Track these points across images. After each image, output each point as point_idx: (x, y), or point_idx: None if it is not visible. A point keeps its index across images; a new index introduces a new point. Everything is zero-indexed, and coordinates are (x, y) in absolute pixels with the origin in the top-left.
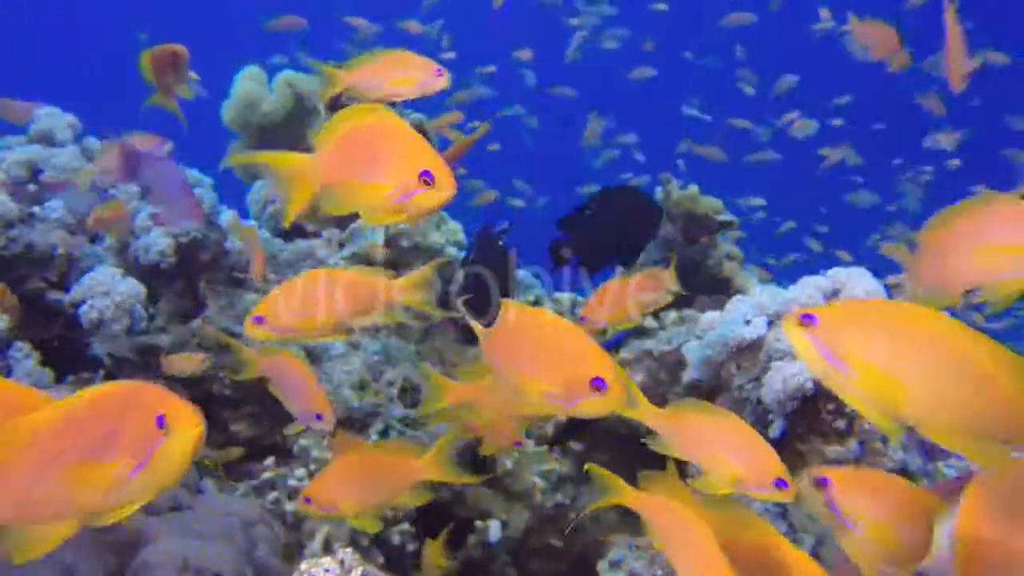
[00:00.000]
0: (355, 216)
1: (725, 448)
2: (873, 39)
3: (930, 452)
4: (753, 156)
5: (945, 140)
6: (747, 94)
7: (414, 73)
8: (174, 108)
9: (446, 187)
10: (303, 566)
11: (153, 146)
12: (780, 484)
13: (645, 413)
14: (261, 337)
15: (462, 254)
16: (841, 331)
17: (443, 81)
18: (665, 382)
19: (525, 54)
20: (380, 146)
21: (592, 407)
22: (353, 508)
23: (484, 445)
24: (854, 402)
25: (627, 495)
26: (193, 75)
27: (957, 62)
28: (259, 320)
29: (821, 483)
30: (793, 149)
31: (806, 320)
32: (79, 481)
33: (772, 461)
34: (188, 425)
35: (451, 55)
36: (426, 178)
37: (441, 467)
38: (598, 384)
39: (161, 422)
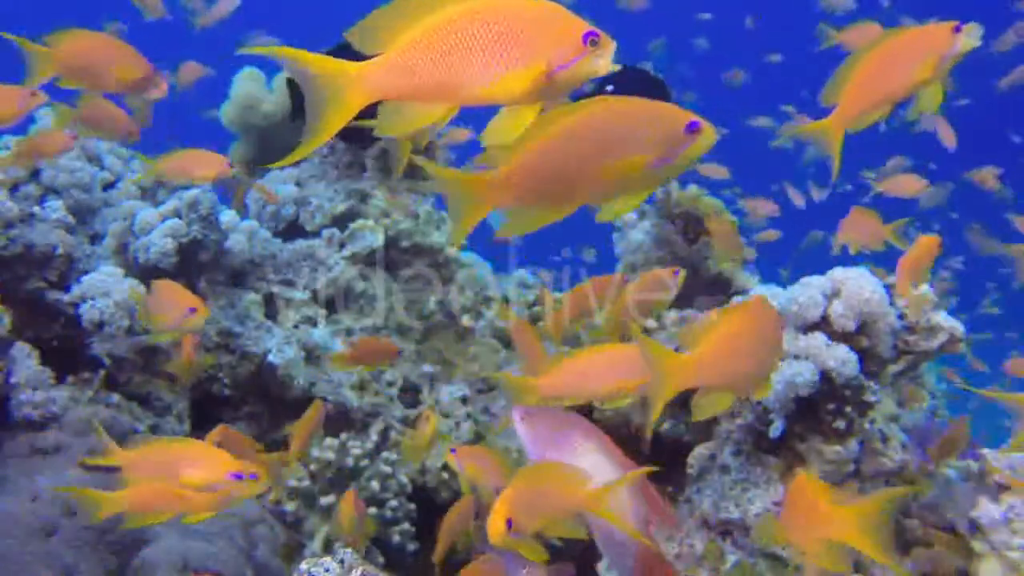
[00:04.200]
0: (354, 215)
1: None
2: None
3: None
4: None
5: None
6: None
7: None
8: (63, 119)
9: (610, 43)
10: (303, 566)
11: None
12: None
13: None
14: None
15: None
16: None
17: None
18: None
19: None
20: (511, 26)
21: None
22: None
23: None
24: None
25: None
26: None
27: None
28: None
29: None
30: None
31: None
32: (626, 166)
33: None
34: (709, 132)
35: None
36: (593, 39)
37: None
38: (694, 127)
39: (691, 129)
